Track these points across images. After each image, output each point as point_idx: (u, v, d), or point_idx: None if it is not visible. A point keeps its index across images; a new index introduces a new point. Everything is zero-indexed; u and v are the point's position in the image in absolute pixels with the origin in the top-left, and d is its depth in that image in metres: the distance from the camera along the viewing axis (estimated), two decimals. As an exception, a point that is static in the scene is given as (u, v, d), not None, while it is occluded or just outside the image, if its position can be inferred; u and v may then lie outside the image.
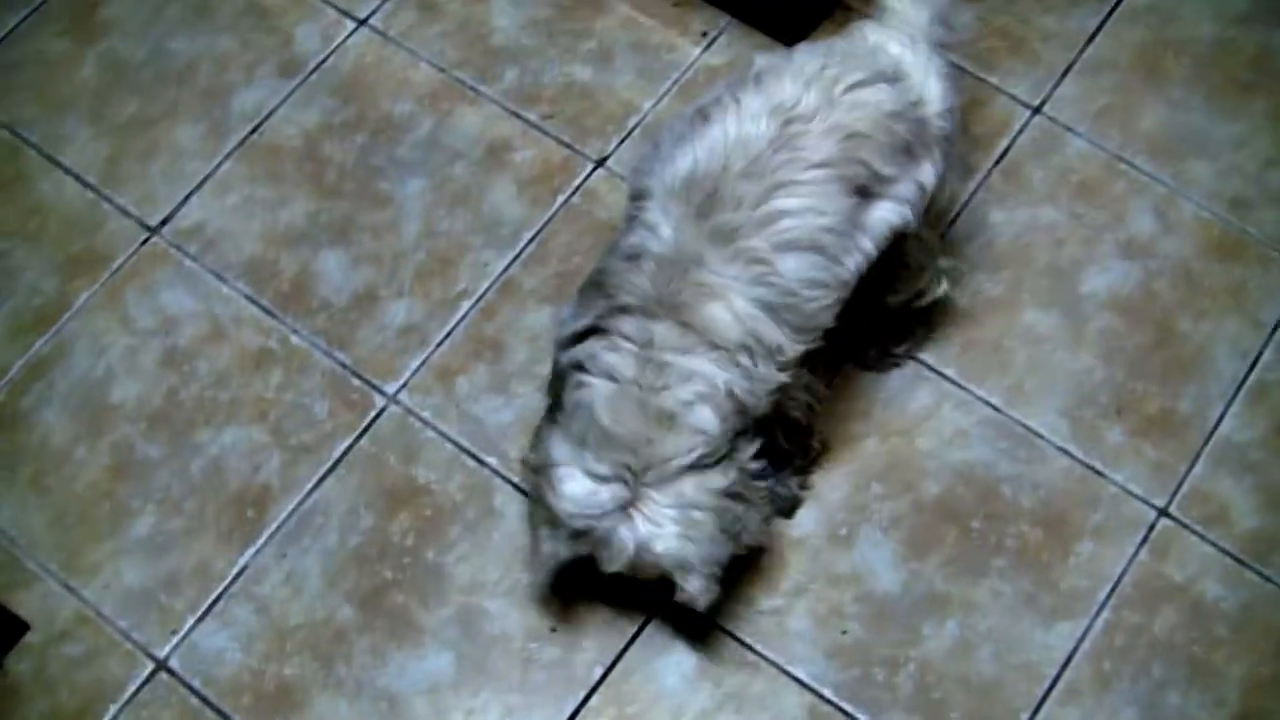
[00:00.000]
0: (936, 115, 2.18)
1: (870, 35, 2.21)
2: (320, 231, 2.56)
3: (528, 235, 2.55)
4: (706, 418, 2.03)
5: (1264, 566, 2.33)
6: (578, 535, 2.07)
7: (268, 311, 2.50)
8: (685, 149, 2.06)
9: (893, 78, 2.13)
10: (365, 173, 2.61)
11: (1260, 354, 2.47)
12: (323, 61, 2.72)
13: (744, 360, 2.04)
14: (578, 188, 2.59)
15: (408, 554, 2.31)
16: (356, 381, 2.43)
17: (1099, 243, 2.56)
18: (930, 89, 2.18)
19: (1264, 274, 2.54)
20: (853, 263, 2.10)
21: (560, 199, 2.58)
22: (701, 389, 2.02)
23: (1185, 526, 2.35)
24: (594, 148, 2.63)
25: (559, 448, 2.07)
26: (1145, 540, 2.34)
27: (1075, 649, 2.26)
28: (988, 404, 2.43)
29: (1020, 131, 2.66)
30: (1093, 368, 2.46)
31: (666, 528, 2.03)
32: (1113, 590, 2.30)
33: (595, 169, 2.61)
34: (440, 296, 2.50)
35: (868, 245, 2.12)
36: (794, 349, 2.08)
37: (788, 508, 2.34)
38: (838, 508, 2.35)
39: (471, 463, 2.37)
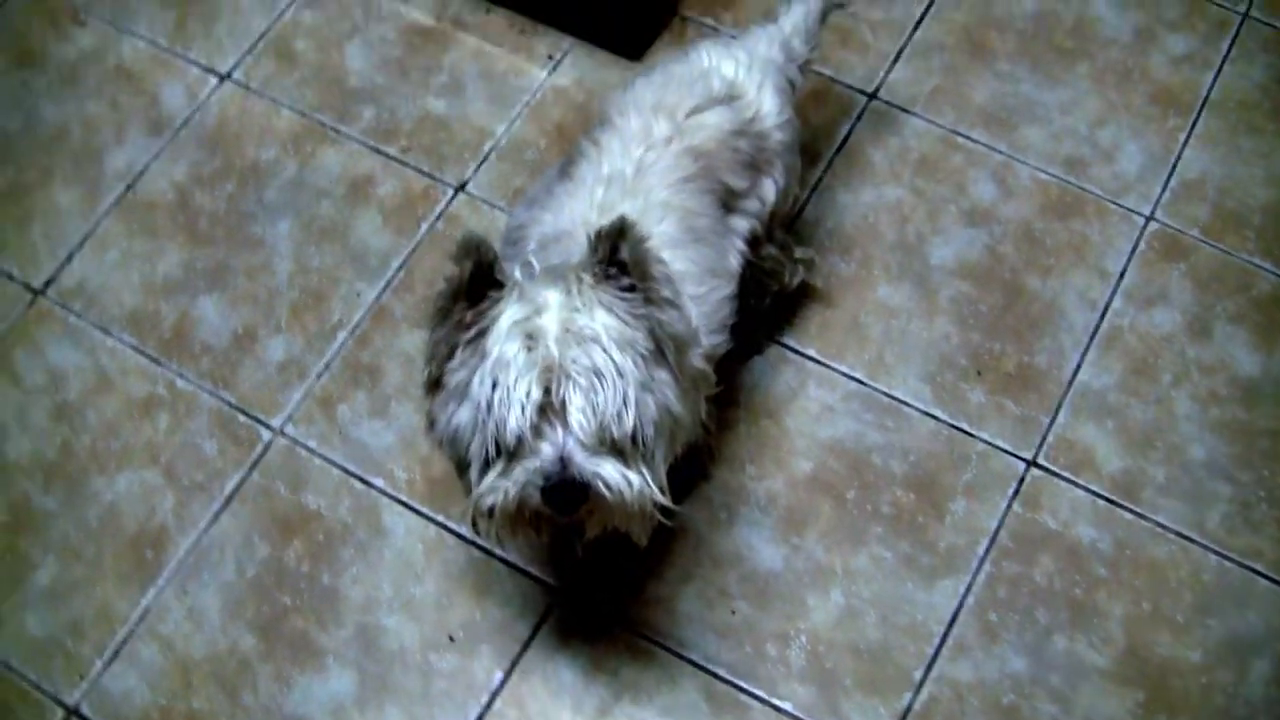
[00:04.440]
0: (775, 128, 2.11)
1: (705, 56, 2.12)
2: (197, 278, 2.44)
3: (395, 264, 2.43)
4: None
5: (1134, 504, 2.24)
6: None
7: (152, 359, 2.37)
8: (558, 205, 1.98)
9: (728, 98, 2.06)
10: (236, 219, 2.49)
11: (1109, 302, 2.39)
12: (189, 117, 2.60)
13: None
14: (440, 214, 2.48)
15: (303, 579, 2.18)
16: (242, 418, 2.31)
17: (943, 214, 2.47)
18: (765, 103, 2.10)
19: (1104, 226, 2.46)
20: (734, 260, 2.04)
21: (424, 226, 2.47)
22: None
23: (1054, 474, 2.25)
24: (453, 174, 2.52)
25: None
26: (1016, 492, 2.24)
27: (960, 605, 2.15)
28: (851, 378, 2.32)
29: (858, 117, 2.57)
30: (949, 333, 2.36)
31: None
32: (990, 544, 2.20)
33: (456, 194, 2.50)
34: (316, 329, 2.38)
35: (741, 246, 2.06)
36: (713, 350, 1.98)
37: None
38: (715, 492, 2.23)
39: (358, 485, 2.25)
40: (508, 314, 1.72)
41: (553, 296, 1.72)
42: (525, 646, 2.13)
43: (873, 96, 2.60)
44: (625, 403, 1.72)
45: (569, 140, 2.47)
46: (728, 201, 2.05)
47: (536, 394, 1.69)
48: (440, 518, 2.21)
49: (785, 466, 2.25)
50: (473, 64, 2.64)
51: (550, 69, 2.63)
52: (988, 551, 2.19)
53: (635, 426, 1.72)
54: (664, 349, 1.77)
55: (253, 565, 2.20)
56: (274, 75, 2.64)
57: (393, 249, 2.45)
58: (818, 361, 2.33)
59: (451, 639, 2.13)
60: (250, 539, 2.22)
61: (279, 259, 2.45)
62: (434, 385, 1.83)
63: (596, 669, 2.11)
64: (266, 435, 2.29)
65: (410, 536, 2.21)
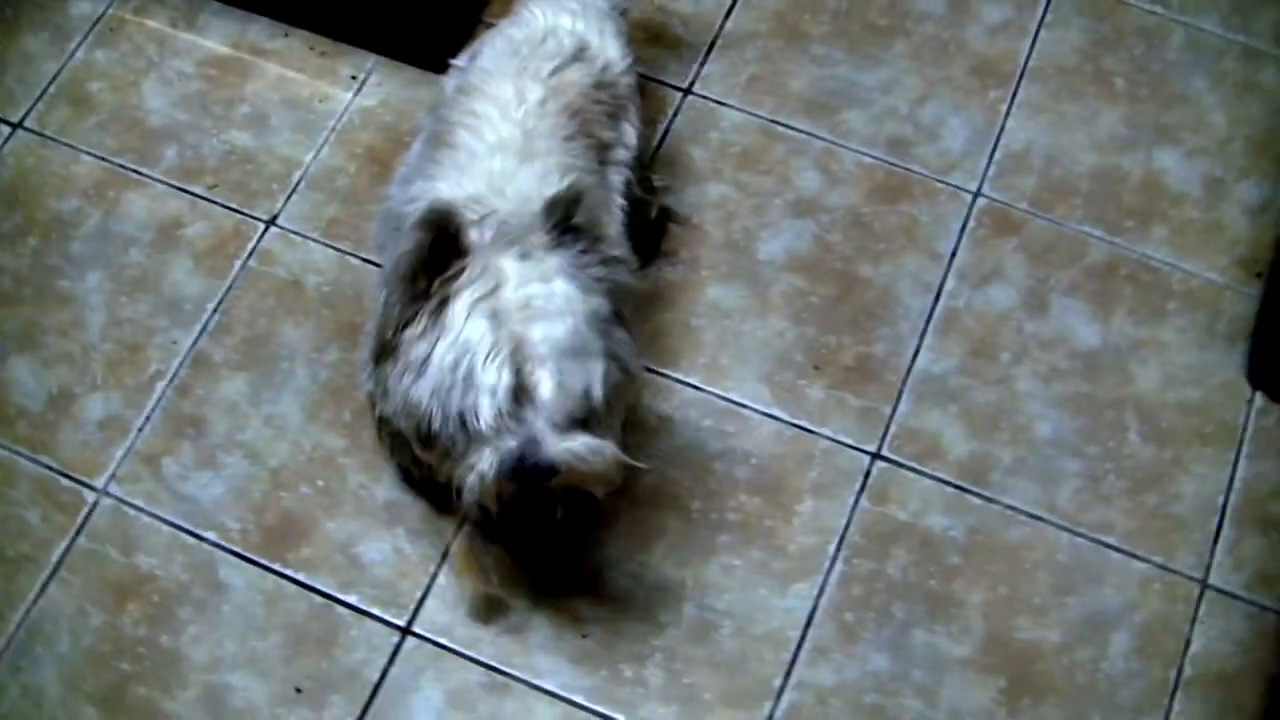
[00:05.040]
0: (622, 74, 2.18)
1: (539, 14, 2.17)
2: (5, 340, 2.35)
3: (210, 307, 2.36)
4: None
5: (983, 488, 2.24)
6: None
7: (-36, 430, 2.30)
8: (451, 175, 1.97)
9: (579, 51, 2.12)
10: (42, 274, 2.40)
11: (942, 284, 2.39)
12: (-17, 175, 2.53)
13: None
14: (252, 251, 2.42)
15: (142, 644, 2.11)
16: (65, 482, 2.23)
17: (769, 208, 2.45)
18: (610, 50, 2.18)
19: (932, 206, 2.45)
20: (618, 215, 2.11)
21: (237, 265, 2.40)
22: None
23: (900, 465, 2.25)
24: (263, 209, 2.46)
25: None
26: (864, 487, 2.23)
27: (814, 607, 2.14)
28: (686, 384, 2.30)
29: (674, 115, 2.54)
30: (783, 330, 2.34)
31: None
32: (840, 542, 2.19)
33: (267, 229, 2.44)
34: (134, 383, 2.30)
35: (620, 201, 2.12)
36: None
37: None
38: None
39: (191, 541, 2.18)
40: (468, 291, 1.75)
41: (510, 268, 1.76)
42: (375, 691, 2.08)
43: (688, 92, 2.57)
44: (593, 378, 1.78)
45: (381, 164, 2.44)
46: (601, 156, 2.09)
47: (508, 379, 1.73)
48: (277, 566, 2.16)
49: (625, 483, 2.20)
50: (275, 92, 2.57)
51: (355, 90, 2.57)
52: (839, 550, 2.18)
53: (602, 396, 1.78)
54: (621, 309, 1.84)
55: (88, 635, 2.12)
56: (70, 120, 2.55)
57: (207, 292, 2.38)
58: (652, 371, 2.30)
59: (299, 690, 2.08)
60: (83, 607, 2.14)
61: (90, 313, 2.37)
62: (386, 352, 1.85)
63: (451, 708, 2.07)
64: (91, 497, 2.22)
65: (249, 589, 2.15)
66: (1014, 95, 2.57)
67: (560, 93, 2.07)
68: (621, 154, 2.16)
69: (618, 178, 2.14)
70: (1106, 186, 2.50)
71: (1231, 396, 2.34)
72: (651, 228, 2.36)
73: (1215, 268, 2.44)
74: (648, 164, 2.37)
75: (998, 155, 2.51)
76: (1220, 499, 2.26)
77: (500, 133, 2.00)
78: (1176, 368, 2.35)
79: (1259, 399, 2.33)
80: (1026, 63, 2.60)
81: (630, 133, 2.19)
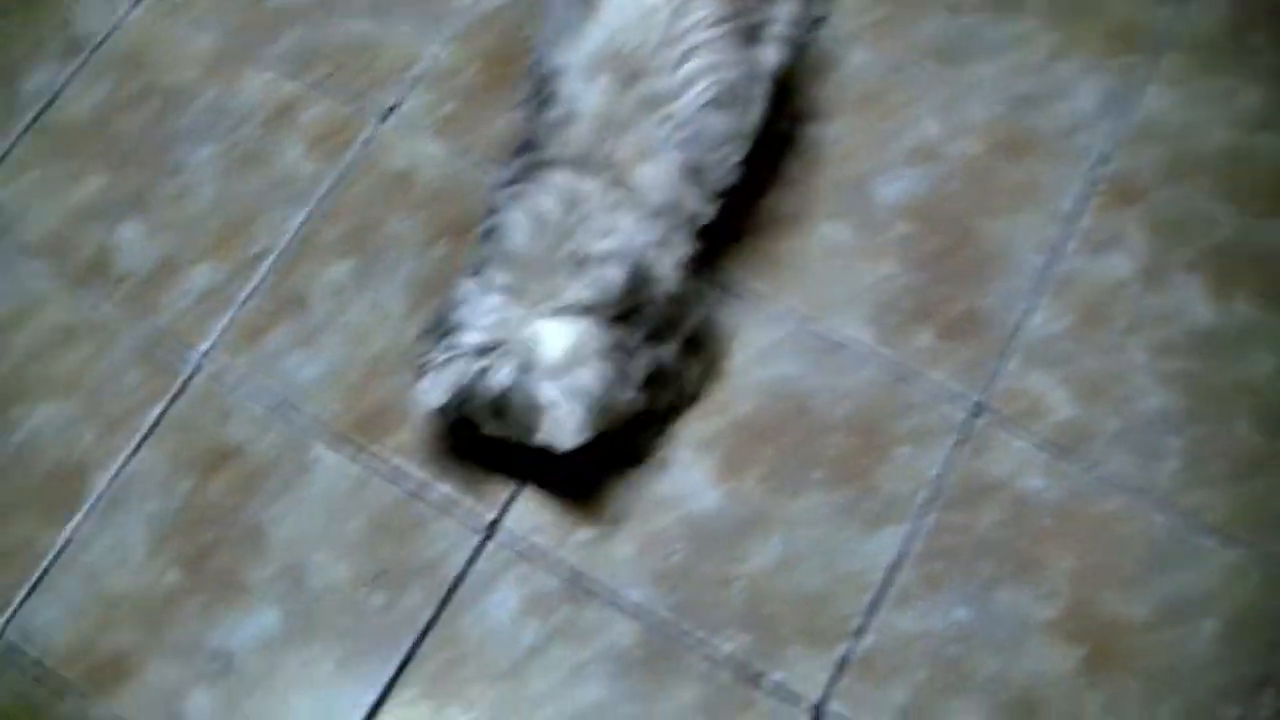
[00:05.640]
0: None
1: None
2: (116, 204, 2.39)
3: (320, 191, 2.38)
4: (615, 276, 1.93)
5: (1082, 455, 2.21)
6: (466, 358, 1.94)
7: (71, 287, 2.33)
8: (590, 25, 1.97)
9: None
10: (157, 142, 2.43)
11: (1061, 245, 2.37)
12: (107, 36, 2.55)
13: (663, 227, 1.97)
14: (367, 140, 2.43)
15: (228, 515, 2.15)
16: (165, 347, 2.27)
17: (888, 151, 2.43)
18: None
19: (1055, 166, 2.43)
20: (757, 110, 2.07)
21: (350, 153, 2.42)
22: (618, 246, 1.93)
23: (1001, 422, 2.23)
24: (380, 100, 2.47)
25: (464, 277, 1.98)
26: (962, 439, 2.22)
27: (901, 553, 2.14)
28: (793, 318, 2.29)
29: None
30: (894, 274, 2.33)
31: (555, 348, 1.92)
32: (934, 491, 2.18)
33: (384, 120, 2.45)
34: (241, 257, 2.33)
35: (765, 89, 2.09)
36: (706, 216, 2.02)
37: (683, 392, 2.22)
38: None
39: (284, 418, 2.21)
40: None
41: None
42: (455, 586, 2.10)
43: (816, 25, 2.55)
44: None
45: (502, 65, 2.44)
46: (754, 31, 2.06)
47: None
48: (368, 452, 2.18)
49: (724, 408, 2.22)
50: (399, -16, 2.59)
51: (482, -10, 2.58)
52: (931, 499, 2.18)
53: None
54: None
55: (176, 499, 2.16)
56: (193, -6, 2.58)
57: (318, 176, 2.40)
58: (759, 299, 2.30)
59: (378, 577, 2.11)
60: (174, 472, 2.18)
61: (201, 184, 2.40)
62: None
63: (528, 611, 2.09)
64: (190, 365, 2.25)
65: (337, 473, 2.17)
66: (1151, 63, 2.54)
67: None
68: (780, 28, 2.12)
69: (769, 55, 2.10)
70: (1239, 166, 2.47)
71: (1346, 395, 2.32)
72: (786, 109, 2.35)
73: (1341, 258, 2.43)
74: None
75: (1128, 122, 2.49)
76: (1323, 495, 2.25)
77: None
78: (1292, 356, 2.34)
79: (1372, 395, 2.31)
80: (1168, 30, 2.58)
81: (787, 7, 2.15)
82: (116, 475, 2.19)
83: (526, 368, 1.91)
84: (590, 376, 1.92)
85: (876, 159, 2.43)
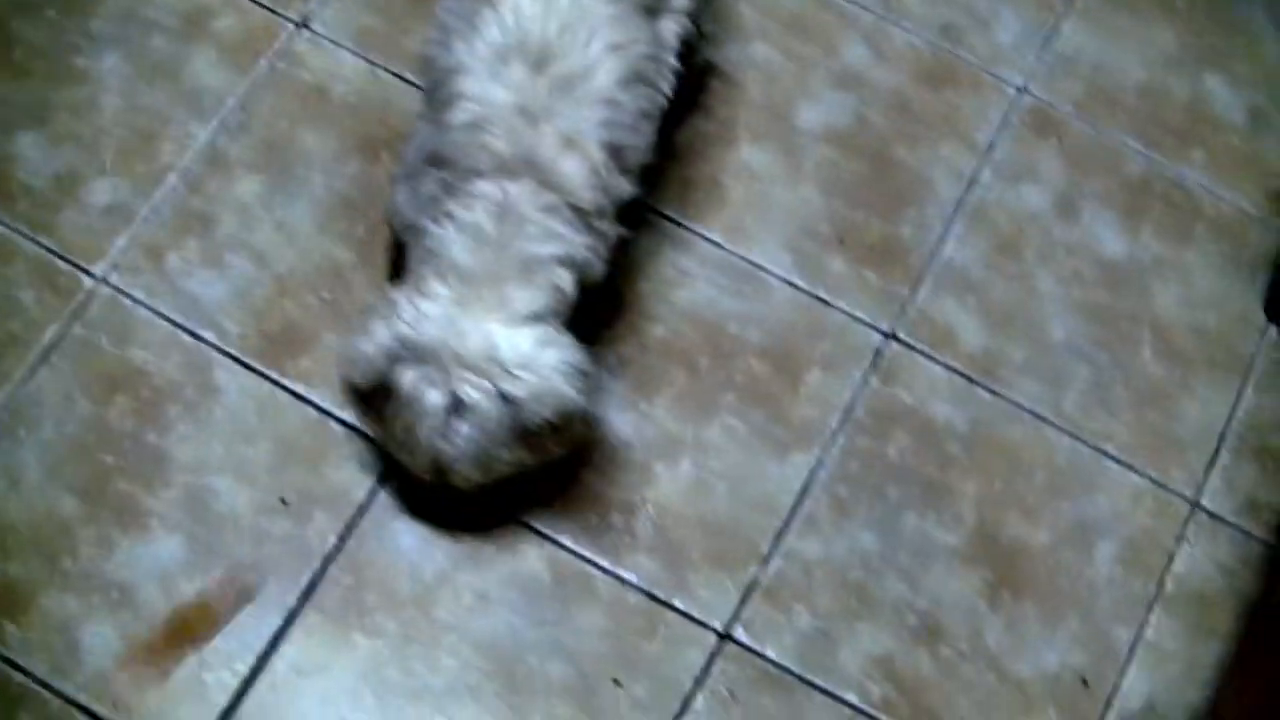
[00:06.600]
0: None
1: None
2: (13, 114, 2.32)
3: (230, 103, 2.34)
4: (565, 278, 1.91)
5: (991, 383, 2.26)
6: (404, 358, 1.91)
7: (-37, 200, 2.27)
8: (488, 14, 1.93)
9: None
10: (59, 49, 2.36)
11: (977, 175, 2.40)
12: (7, -60, 2.48)
13: (596, 221, 1.94)
14: (280, 51, 2.39)
15: (128, 439, 2.11)
16: (63, 265, 2.21)
17: (812, 76, 2.45)
18: None
19: (976, 97, 2.46)
20: (667, 85, 2.04)
21: (262, 64, 2.37)
22: (562, 252, 1.90)
23: (912, 349, 2.27)
24: (295, 9, 2.43)
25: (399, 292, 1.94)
26: (873, 366, 2.25)
27: (810, 479, 2.17)
28: (709, 241, 2.31)
29: (726, -32, 2.52)
30: (812, 200, 2.35)
31: (515, 353, 1.88)
32: (844, 418, 2.21)
33: (298, 30, 2.41)
34: (144, 171, 2.28)
35: (673, 61, 2.06)
36: (630, 194, 2.00)
37: None
38: (564, 355, 2.21)
39: (187, 339, 2.18)
40: None
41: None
42: (361, 511, 2.09)
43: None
44: None
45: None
46: (653, 6, 2.04)
47: None
48: (274, 374, 2.17)
49: (638, 330, 2.23)
50: (318, -109, 2.53)
51: (403, -98, 2.54)
52: (841, 425, 2.21)
53: None
54: None
55: (73, 423, 2.12)
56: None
57: (228, 88, 2.35)
58: (675, 223, 2.31)
59: (284, 502, 2.09)
60: (70, 395, 2.14)
61: (105, 95, 2.34)
62: None
63: (435, 536, 2.09)
64: (89, 284, 2.21)
65: (242, 395, 2.15)
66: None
67: None
68: (678, 2, 2.11)
69: (673, 28, 2.09)
70: (1151, 103, 2.51)
71: (1246, 327, 2.38)
72: (692, 79, 2.33)
73: (1248, 198, 2.48)
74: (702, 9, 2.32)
75: (1048, 56, 2.52)
76: (1221, 425, 2.30)
77: None
78: (1196, 291, 2.39)
79: (1272, 332, 2.37)
80: (1088, -33, 2.60)
81: None
82: (8, 400, 2.14)
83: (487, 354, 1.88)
84: (560, 379, 1.90)
85: (799, 84, 2.44)
